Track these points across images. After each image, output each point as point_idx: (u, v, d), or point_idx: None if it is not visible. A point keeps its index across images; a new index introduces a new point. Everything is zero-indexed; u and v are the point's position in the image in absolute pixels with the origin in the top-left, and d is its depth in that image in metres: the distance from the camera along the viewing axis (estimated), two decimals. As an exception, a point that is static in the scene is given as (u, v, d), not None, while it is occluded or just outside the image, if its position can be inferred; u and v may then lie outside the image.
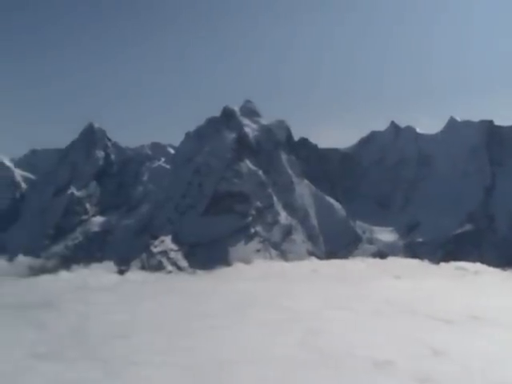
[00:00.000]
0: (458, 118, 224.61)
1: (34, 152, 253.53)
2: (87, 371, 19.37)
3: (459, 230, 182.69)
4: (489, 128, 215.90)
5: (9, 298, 34.63)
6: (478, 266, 49.82)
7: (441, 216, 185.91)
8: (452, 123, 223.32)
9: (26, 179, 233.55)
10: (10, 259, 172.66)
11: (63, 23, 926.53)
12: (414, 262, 58.90)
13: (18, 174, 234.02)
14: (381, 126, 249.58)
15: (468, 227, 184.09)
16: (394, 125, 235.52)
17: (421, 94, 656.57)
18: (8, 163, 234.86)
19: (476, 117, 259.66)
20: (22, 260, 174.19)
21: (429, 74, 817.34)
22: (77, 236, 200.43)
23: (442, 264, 52.00)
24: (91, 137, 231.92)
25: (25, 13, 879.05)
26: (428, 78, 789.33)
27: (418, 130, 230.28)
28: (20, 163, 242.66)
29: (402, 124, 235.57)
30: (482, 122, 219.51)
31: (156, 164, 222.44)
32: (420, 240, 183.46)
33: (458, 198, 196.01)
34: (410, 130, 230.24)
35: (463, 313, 27.78)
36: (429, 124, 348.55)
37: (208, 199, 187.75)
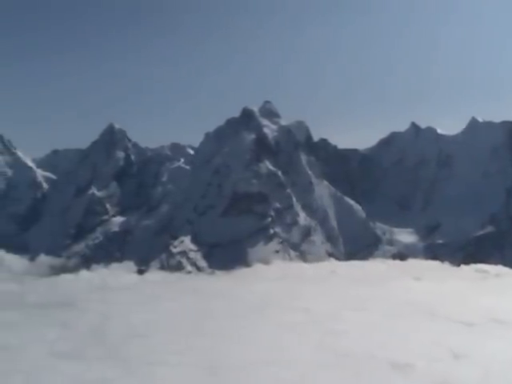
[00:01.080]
0: (480, 119, 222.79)
1: (55, 152, 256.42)
2: (107, 370, 19.53)
3: (480, 232, 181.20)
4: (510, 129, 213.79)
5: (30, 297, 34.96)
6: (500, 268, 49.16)
7: (462, 217, 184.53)
8: (473, 124, 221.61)
9: (47, 179, 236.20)
10: (32, 259, 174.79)
11: (85, 23, 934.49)
12: (435, 264, 58.31)
13: (40, 174, 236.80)
14: (401, 126, 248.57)
15: (489, 229, 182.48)
16: (414, 125, 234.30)
17: (442, 94, 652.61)
18: (30, 163, 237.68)
19: (498, 117, 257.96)
20: (44, 259, 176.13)
21: (450, 75, 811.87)
22: (97, 236, 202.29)
23: (463, 266, 51.40)
24: (112, 137, 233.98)
25: (47, 13, 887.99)
26: (449, 79, 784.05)
27: (439, 131, 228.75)
28: (41, 163, 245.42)
29: (423, 125, 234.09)
30: (504, 122, 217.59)
31: (175, 165, 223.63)
32: (440, 241, 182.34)
33: (479, 199, 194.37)
34: (430, 130, 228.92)
35: (484, 315, 27.51)
36: (450, 125, 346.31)
37: (227, 200, 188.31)
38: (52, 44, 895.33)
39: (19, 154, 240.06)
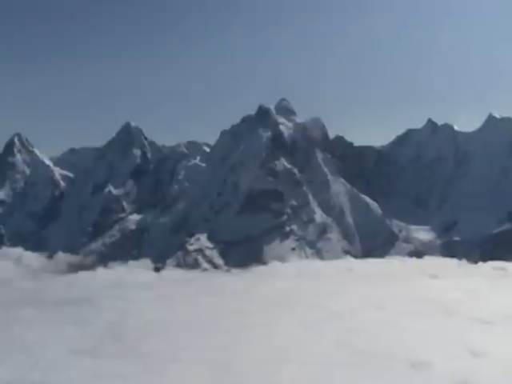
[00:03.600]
0: (497, 115, 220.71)
1: (72, 151, 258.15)
2: (124, 367, 19.63)
3: (498, 229, 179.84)
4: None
5: (48, 294, 35.25)
6: (518, 266, 48.73)
7: (479, 215, 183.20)
8: (491, 120, 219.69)
9: (64, 178, 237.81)
10: (50, 256, 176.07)
11: (100, 20, 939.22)
12: (452, 262, 57.86)
13: (57, 172, 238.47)
14: (418, 123, 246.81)
15: (507, 226, 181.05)
16: (431, 122, 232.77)
17: (459, 91, 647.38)
18: (47, 162, 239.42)
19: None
20: (61, 257, 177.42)
21: (467, 71, 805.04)
22: (114, 234, 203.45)
23: (480, 264, 51.00)
24: (128, 136, 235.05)
25: (64, 8, 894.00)
26: (467, 75, 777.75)
27: (456, 128, 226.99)
28: (59, 162, 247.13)
29: (440, 122, 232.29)
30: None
31: (192, 162, 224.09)
32: (457, 239, 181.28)
33: (496, 196, 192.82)
34: (447, 127, 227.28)
35: (502, 314, 27.29)
36: (467, 121, 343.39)
37: (243, 197, 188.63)
38: (70, 43, 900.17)
39: (37, 152, 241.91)
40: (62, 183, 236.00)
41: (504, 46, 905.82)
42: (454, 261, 58.07)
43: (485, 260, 53.60)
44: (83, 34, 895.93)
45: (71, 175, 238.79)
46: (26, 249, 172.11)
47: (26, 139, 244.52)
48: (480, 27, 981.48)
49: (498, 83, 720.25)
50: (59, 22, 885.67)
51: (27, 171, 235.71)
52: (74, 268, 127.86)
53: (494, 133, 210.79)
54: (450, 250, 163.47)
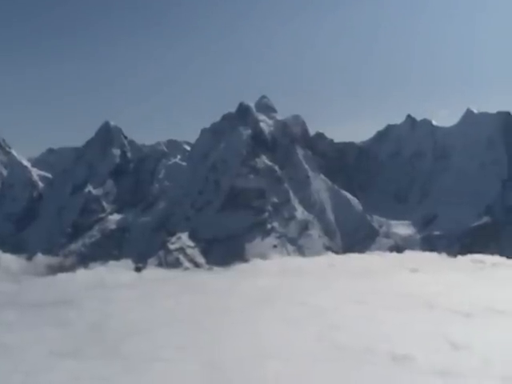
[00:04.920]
0: (475, 110, 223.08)
1: (50, 151, 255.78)
2: (107, 368, 19.52)
3: (477, 223, 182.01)
4: (506, 119, 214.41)
5: (27, 296, 34.93)
6: (496, 258, 49.30)
7: (458, 209, 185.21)
8: (469, 115, 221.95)
9: (43, 178, 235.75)
10: (29, 258, 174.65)
11: (78, 20, 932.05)
12: (432, 256, 58.36)
13: (35, 173, 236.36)
14: (397, 119, 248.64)
15: (486, 220, 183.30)
16: (410, 118, 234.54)
17: (437, 86, 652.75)
18: (25, 163, 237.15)
19: (493, 108, 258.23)
20: (41, 259, 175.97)
21: (445, 67, 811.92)
22: (94, 234, 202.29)
23: (460, 257, 51.51)
24: (107, 135, 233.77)
25: (42, 9, 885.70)
26: (444, 71, 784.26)
27: (435, 123, 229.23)
28: (37, 162, 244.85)
29: (419, 117, 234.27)
30: (499, 113, 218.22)
31: (172, 161, 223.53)
32: (437, 233, 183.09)
33: (475, 190, 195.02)
34: (426, 122, 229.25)
35: (482, 306, 27.60)
36: (445, 116, 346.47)
37: (224, 195, 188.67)
38: (46, 42, 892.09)
39: (14, 153, 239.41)
40: (41, 184, 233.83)
41: (482, 41, 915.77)
42: (434, 255, 58.57)
43: (464, 253, 54.10)
44: (61, 32, 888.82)
45: (50, 176, 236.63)
46: (5, 251, 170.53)
47: (3, 140, 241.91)
48: (458, 23, 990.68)
49: (475, 78, 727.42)
50: (36, 20, 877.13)
51: (4, 173, 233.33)
52: (54, 269, 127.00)
53: (473, 127, 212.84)
54: (429, 244, 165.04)
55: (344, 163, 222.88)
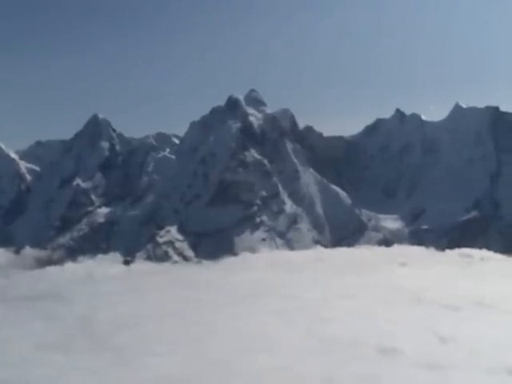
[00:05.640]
0: (464, 105, 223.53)
1: (38, 144, 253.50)
2: (95, 361, 19.49)
3: (465, 217, 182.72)
4: (494, 114, 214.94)
5: (16, 289, 34.84)
6: (484, 252, 49.69)
7: (446, 203, 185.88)
8: (457, 110, 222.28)
9: (31, 171, 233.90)
10: (17, 251, 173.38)
11: (65, 12, 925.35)
12: (420, 250, 58.68)
13: (23, 166, 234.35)
14: (386, 113, 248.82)
15: (474, 214, 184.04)
16: (399, 112, 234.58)
17: (426, 81, 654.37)
18: (13, 155, 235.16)
19: (481, 103, 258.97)
20: (29, 252, 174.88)
21: (434, 61, 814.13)
22: (82, 227, 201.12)
23: (448, 251, 51.83)
24: (96, 128, 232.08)
25: (25, 2, 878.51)
26: (433, 65, 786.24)
27: (424, 117, 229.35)
28: (25, 155, 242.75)
29: (408, 111, 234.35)
30: (488, 108, 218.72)
31: (161, 154, 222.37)
32: (425, 227, 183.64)
33: (463, 184, 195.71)
34: (415, 117, 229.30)
35: (470, 300, 27.82)
36: (434, 111, 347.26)
37: (213, 189, 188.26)
38: (34, 35, 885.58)
39: (1, 145, 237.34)
40: (29, 177, 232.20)
41: (471, 36, 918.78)
42: (422, 249, 58.87)
43: (452, 247, 54.43)
44: (49, 25, 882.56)
45: (38, 169, 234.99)
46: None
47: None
48: (447, 18, 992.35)
49: (464, 73, 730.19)
50: (24, 14, 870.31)
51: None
52: (42, 263, 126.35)
53: (461, 122, 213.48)
54: (418, 238, 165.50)
55: (333, 157, 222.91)
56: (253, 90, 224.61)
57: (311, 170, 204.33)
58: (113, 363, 19.32)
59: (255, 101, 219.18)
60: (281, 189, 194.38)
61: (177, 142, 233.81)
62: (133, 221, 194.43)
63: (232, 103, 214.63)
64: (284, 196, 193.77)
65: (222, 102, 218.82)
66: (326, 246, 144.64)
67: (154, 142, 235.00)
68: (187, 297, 30.73)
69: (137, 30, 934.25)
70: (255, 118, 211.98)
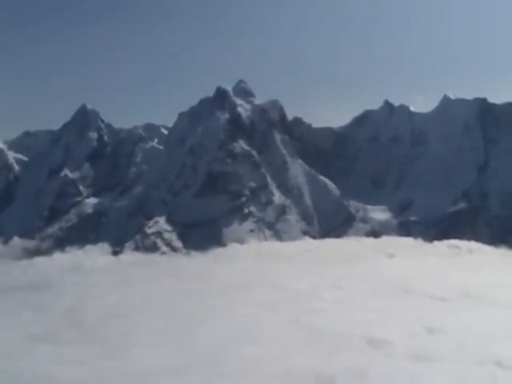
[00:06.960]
0: (452, 96, 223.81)
1: (26, 134, 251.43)
2: (85, 352, 19.44)
3: (453, 208, 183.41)
4: (482, 106, 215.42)
5: (4, 280, 34.65)
6: (472, 244, 49.99)
7: (434, 194, 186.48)
8: (446, 101, 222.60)
9: (19, 161, 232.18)
10: (5, 241, 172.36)
11: (52, 2, 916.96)
12: (408, 241, 58.93)
13: (11, 156, 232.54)
14: (374, 104, 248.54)
15: (462, 205, 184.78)
16: (387, 103, 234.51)
17: (415, 72, 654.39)
18: (1, 145, 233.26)
19: (470, 94, 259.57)
20: (17, 242, 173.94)
21: (422, 53, 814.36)
22: (71, 218, 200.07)
23: (436, 242, 52.07)
24: (84, 118, 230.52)
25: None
26: (422, 57, 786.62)
27: (412, 109, 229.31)
28: (13, 145, 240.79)
29: (396, 103, 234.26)
30: (476, 99, 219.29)
31: (149, 145, 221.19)
32: (413, 218, 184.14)
33: (451, 176, 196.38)
34: (403, 108, 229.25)
35: (458, 291, 27.99)
36: (423, 102, 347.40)
37: (202, 180, 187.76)
38: (22, 24, 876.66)
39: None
40: (17, 167, 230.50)
41: (460, 28, 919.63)
42: (411, 240, 59.13)
43: (440, 239, 54.67)
44: (37, 14, 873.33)
45: (26, 159, 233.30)
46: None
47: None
48: (435, 9, 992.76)
49: (452, 65, 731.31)
50: (12, 2, 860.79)
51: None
52: (31, 253, 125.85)
53: (449, 114, 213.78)
54: (406, 229, 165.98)
55: (322, 148, 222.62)
56: (241, 81, 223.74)
57: (300, 161, 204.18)
58: (101, 354, 19.29)
59: (244, 92, 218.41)
60: (269, 180, 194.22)
61: (165, 132, 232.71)
62: (121, 211, 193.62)
63: (220, 94, 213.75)
64: (272, 187, 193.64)
65: (210, 93, 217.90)
66: (314, 237, 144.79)
67: (143, 133, 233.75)
68: (175, 287, 30.73)
69: (126, 21, 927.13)
70: (244, 108, 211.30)
